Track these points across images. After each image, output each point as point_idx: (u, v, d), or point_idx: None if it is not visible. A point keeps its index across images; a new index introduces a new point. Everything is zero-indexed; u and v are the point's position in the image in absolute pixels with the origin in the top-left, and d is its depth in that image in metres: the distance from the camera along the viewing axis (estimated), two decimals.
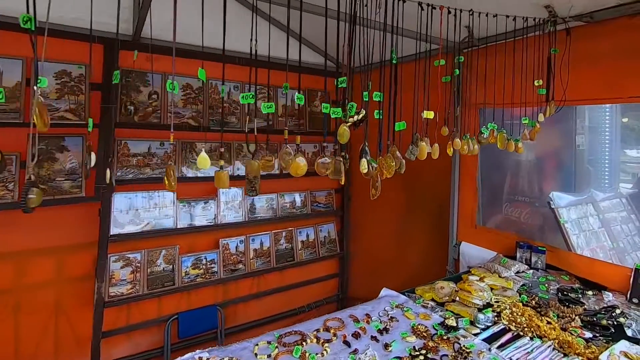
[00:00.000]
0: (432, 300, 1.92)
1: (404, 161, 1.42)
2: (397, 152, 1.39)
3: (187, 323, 3.03)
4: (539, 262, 2.34)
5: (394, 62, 1.88)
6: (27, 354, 2.57)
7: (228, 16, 1.45)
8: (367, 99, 1.44)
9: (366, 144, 1.36)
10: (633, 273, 2.00)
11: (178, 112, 3.05)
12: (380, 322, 1.65)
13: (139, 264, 2.91)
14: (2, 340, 2.50)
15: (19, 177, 2.49)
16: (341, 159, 1.42)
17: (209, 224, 3.19)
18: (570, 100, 2.23)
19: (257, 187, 1.43)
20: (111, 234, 2.77)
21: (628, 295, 1.96)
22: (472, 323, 1.68)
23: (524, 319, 1.68)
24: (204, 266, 3.18)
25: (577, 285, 2.12)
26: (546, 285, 2.10)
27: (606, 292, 2.01)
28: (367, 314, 1.72)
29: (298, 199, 3.70)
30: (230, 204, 3.30)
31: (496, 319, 1.70)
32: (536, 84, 2.05)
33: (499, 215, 2.91)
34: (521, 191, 2.82)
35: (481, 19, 2.20)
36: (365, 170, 1.31)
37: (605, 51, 2.11)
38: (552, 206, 2.49)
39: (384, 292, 1.97)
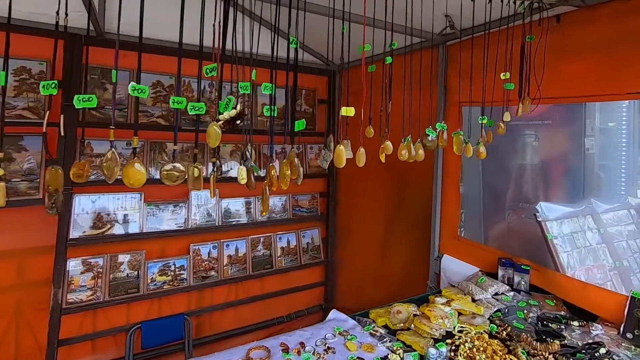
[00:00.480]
0: (385, 326, 1.68)
1: (301, 170, 1.19)
2: (296, 159, 1.17)
3: (151, 333, 2.88)
4: (523, 283, 2.06)
5: (388, 62, 1.66)
6: None
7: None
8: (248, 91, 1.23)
9: (249, 148, 1.15)
10: (628, 302, 1.70)
11: (147, 111, 2.91)
12: (314, 354, 1.43)
13: (100, 270, 2.78)
14: None
15: None
16: (197, 166, 1.20)
17: (179, 228, 3.04)
18: (551, 97, 1.95)
19: (58, 204, 1.10)
20: (71, 237, 2.65)
21: (621, 329, 1.66)
22: (422, 359, 1.44)
23: (484, 356, 1.42)
24: (172, 273, 3.03)
25: (562, 313, 1.83)
26: (525, 311, 1.82)
27: (595, 324, 1.71)
28: (301, 342, 1.50)
29: (278, 202, 3.50)
30: (202, 207, 3.14)
31: (452, 354, 1.45)
32: (502, 77, 1.78)
33: (491, 227, 2.63)
34: (523, 198, 2.52)
35: (463, 6, 1.95)
36: (244, 181, 1.10)
37: (598, 40, 1.82)
38: (539, 219, 2.19)
39: (332, 314, 1.75)
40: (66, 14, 1.25)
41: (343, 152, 1.19)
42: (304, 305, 3.73)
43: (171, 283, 3.01)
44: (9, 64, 2.44)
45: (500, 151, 2.50)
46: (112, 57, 2.63)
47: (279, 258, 3.51)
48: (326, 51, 3.51)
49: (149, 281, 2.93)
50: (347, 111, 1.20)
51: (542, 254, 2.19)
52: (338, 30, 1.78)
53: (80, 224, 2.71)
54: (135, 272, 2.90)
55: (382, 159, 1.48)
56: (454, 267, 2.59)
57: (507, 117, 1.83)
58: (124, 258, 2.87)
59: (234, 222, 3.27)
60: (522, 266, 2.08)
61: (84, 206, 2.72)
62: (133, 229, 2.87)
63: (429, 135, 1.73)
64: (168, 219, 3.00)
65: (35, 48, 2.55)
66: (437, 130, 1.71)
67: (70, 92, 2.63)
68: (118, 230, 2.82)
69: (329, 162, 1.26)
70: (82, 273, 2.73)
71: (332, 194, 3.74)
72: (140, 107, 2.87)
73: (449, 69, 2.65)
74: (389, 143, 1.43)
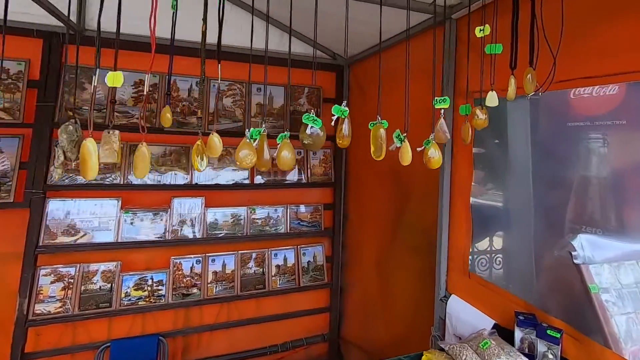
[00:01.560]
0: None
1: None
2: None
3: (121, 353, 2.62)
4: (550, 355, 1.40)
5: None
6: None
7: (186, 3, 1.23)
8: None
9: None
10: None
11: (127, 112, 2.74)
12: None
13: (72, 280, 2.60)
14: None
15: None
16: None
17: (158, 239, 2.78)
18: (589, 77, 1.34)
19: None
20: (40, 244, 2.51)
21: None
22: None
23: None
24: (149, 287, 2.76)
25: None
26: None
27: None
28: None
29: (274, 214, 3.12)
30: (185, 217, 2.87)
31: None
32: (479, 34, 1.24)
33: (514, 262, 1.98)
34: (585, 221, 1.85)
35: None
36: None
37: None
38: (577, 260, 1.52)
39: None
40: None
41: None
42: (304, 334, 3.25)
43: (147, 299, 2.74)
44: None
45: (550, 158, 1.86)
46: (91, 56, 2.47)
47: (274, 278, 3.10)
48: (332, 43, 3.13)
49: (123, 295, 2.69)
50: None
51: (583, 313, 1.51)
52: (344, 20, 1.46)
53: (52, 230, 2.56)
54: (109, 285, 2.67)
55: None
56: (462, 314, 1.97)
57: (492, 100, 1.27)
58: (96, 268, 2.66)
59: (221, 235, 2.94)
60: (549, 330, 1.43)
61: (57, 211, 2.58)
62: (108, 237, 2.67)
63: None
64: (147, 229, 2.77)
65: (14, 48, 2.51)
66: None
67: (46, 92, 2.54)
68: (93, 238, 2.64)
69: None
70: (52, 283, 2.56)
71: (339, 206, 3.27)
72: (119, 107, 2.70)
73: (458, 50, 2.11)
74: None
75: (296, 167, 3.17)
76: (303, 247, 3.22)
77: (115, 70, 1.01)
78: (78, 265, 2.63)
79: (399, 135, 1.19)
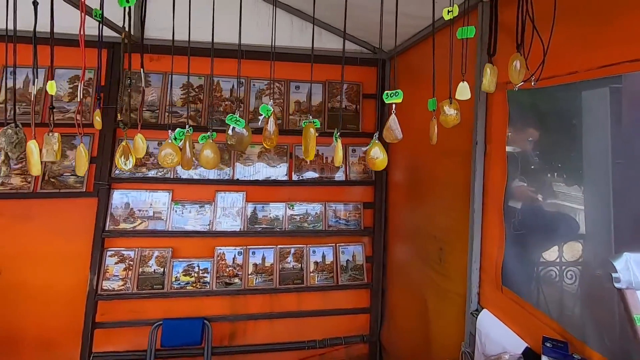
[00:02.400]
0: None
1: None
2: None
3: (171, 332, 2.90)
4: None
5: None
6: (28, 337, 2.85)
7: (231, 7, 1.41)
8: None
9: None
10: None
11: (176, 112, 2.96)
12: None
13: (131, 262, 2.94)
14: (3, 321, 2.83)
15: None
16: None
17: (203, 229, 2.98)
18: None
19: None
20: (106, 229, 2.88)
21: None
22: None
23: None
24: (196, 274, 2.99)
25: None
26: None
27: None
28: None
29: (312, 211, 3.11)
30: (228, 211, 3.02)
31: None
32: (446, 16, 1.02)
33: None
34: None
35: None
36: None
37: None
38: (618, 284, 1.21)
39: None
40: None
41: None
42: (343, 333, 3.21)
43: (194, 284, 2.97)
44: (65, 73, 2.82)
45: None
46: (146, 62, 2.75)
47: (312, 274, 3.11)
48: (372, 37, 2.96)
49: (173, 279, 2.96)
50: None
51: (625, 348, 1.22)
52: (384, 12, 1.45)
53: (116, 217, 2.92)
54: (162, 269, 2.96)
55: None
56: (493, 332, 1.74)
57: (463, 92, 1.06)
58: (152, 253, 2.97)
59: (260, 229, 3.04)
60: None
61: (119, 201, 2.93)
62: (160, 226, 2.95)
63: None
64: (193, 219, 2.99)
65: (86, 58, 2.87)
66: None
67: (110, 96, 2.88)
68: (148, 226, 2.94)
69: None
70: (115, 263, 2.93)
71: (380, 205, 3.13)
72: (170, 108, 2.94)
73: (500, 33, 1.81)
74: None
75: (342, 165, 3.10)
76: (342, 245, 3.17)
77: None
78: (137, 249, 2.96)
79: (335, 133, 1.10)
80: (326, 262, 3.14)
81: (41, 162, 1.15)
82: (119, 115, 1.44)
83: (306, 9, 2.85)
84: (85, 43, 2.83)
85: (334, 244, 3.15)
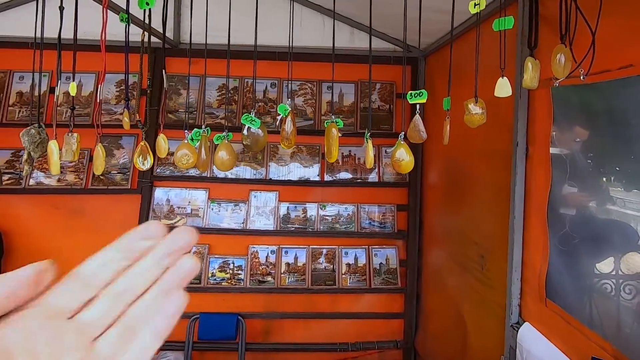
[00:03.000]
0: None
1: None
2: None
3: (207, 325, 3.00)
4: None
5: None
6: None
7: (263, 8, 1.54)
8: None
9: None
10: None
11: (212, 113, 3.05)
12: None
13: None
14: None
15: (88, 167, 3.06)
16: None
17: (238, 227, 3.05)
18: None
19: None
20: None
21: None
22: None
23: None
24: (230, 271, 3.07)
25: None
26: None
27: None
28: None
29: (344, 212, 3.06)
30: (261, 210, 3.06)
31: None
32: (473, 9, 0.91)
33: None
34: None
35: None
36: None
37: None
38: None
39: None
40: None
41: None
42: (376, 337, 3.14)
43: (229, 281, 3.05)
44: (113, 78, 3.00)
45: None
46: (186, 66, 2.88)
47: (344, 276, 3.07)
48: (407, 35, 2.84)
49: (210, 275, 3.06)
50: None
51: None
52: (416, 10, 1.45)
53: (157, 213, 3.07)
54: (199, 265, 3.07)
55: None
56: (535, 348, 1.60)
57: (502, 89, 0.95)
58: (190, 249, 3.08)
59: (292, 229, 3.05)
60: None
61: (160, 198, 3.07)
62: (198, 223, 3.06)
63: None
64: (228, 217, 3.06)
65: (131, 63, 3.04)
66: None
67: (152, 99, 3.02)
68: (187, 222, 3.06)
69: None
70: None
71: (415, 208, 3.00)
72: (207, 109, 3.03)
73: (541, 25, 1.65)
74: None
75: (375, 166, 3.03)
76: (375, 248, 3.09)
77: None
78: None
79: (365, 134, 1.04)
80: (358, 265, 3.08)
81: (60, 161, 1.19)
82: (137, 114, 1.48)
83: (338, 9, 2.80)
84: (130, 49, 2.97)
85: (366, 246, 3.08)
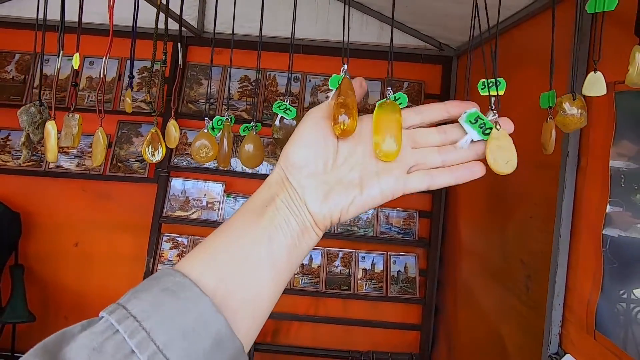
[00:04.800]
0: None
1: None
2: None
3: None
4: None
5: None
6: (96, 304, 3.08)
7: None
8: None
9: None
10: None
11: (233, 105, 2.95)
12: None
13: (184, 249, 3.02)
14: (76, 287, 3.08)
15: (107, 153, 3.03)
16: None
17: None
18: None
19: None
20: (163, 215, 2.99)
21: None
22: None
23: None
24: None
25: None
26: None
27: None
28: None
29: (363, 215, 2.91)
30: None
31: None
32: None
33: None
34: None
35: None
36: None
37: None
38: None
39: None
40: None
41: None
42: (390, 348, 2.99)
43: None
44: (136, 65, 2.94)
45: None
46: (208, 55, 2.81)
47: (360, 281, 2.92)
48: (439, 33, 2.65)
49: None
50: None
51: None
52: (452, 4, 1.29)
53: (172, 204, 3.02)
54: None
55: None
56: None
57: (594, 86, 0.77)
58: None
59: None
60: None
61: (177, 188, 3.01)
62: (213, 216, 2.99)
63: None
64: None
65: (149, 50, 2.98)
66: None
67: (173, 87, 2.95)
68: (201, 215, 3.00)
69: None
70: (170, 249, 3.04)
71: (438, 215, 2.82)
72: (227, 101, 2.94)
73: (595, 27, 1.44)
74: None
75: None
76: (393, 254, 2.92)
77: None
78: (190, 237, 3.03)
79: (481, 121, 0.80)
80: (375, 271, 2.93)
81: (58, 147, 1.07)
82: (147, 96, 1.37)
83: (368, 2, 2.64)
84: (153, 36, 2.91)
85: (385, 252, 2.92)
